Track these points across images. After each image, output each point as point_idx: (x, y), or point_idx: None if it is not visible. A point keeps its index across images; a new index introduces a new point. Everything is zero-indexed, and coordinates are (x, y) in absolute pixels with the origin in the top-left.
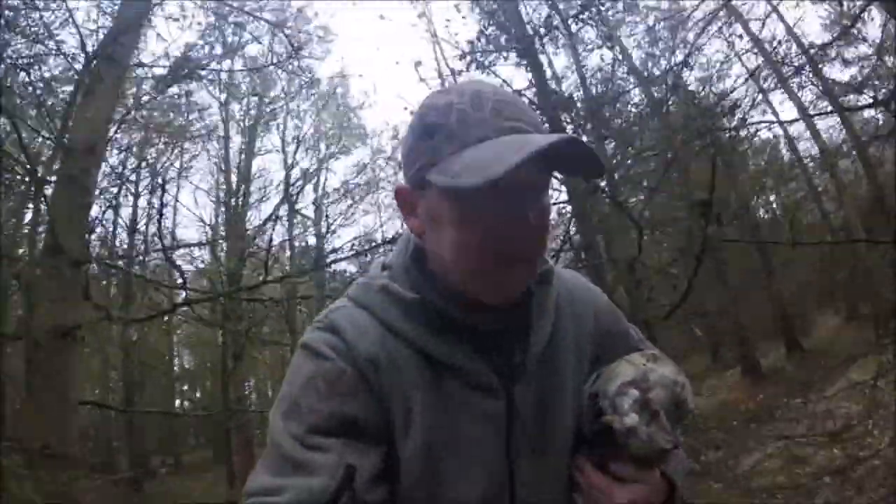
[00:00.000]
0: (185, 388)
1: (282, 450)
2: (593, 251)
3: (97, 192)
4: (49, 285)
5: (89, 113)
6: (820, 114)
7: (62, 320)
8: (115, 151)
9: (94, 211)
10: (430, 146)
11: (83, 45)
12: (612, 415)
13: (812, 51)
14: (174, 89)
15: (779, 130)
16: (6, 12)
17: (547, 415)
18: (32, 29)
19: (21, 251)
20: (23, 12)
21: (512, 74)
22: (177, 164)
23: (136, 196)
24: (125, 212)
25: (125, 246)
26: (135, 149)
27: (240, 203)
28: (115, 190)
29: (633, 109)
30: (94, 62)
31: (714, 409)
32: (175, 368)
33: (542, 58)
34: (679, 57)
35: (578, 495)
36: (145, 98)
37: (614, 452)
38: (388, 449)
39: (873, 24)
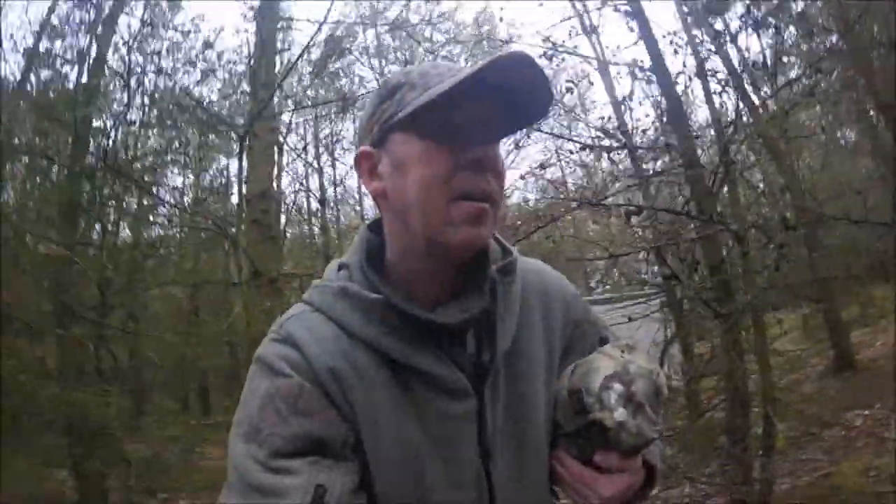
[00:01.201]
0: None
1: (247, 476)
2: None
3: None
4: (254, 295)
5: (257, 167)
6: None
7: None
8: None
9: None
10: (395, 100)
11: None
12: (600, 411)
13: None
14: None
15: None
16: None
17: (519, 411)
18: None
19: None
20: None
21: None
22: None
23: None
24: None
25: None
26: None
27: None
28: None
29: None
30: (252, 127)
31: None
32: None
33: None
34: None
35: (560, 489)
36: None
37: (596, 444)
38: (360, 460)
39: None
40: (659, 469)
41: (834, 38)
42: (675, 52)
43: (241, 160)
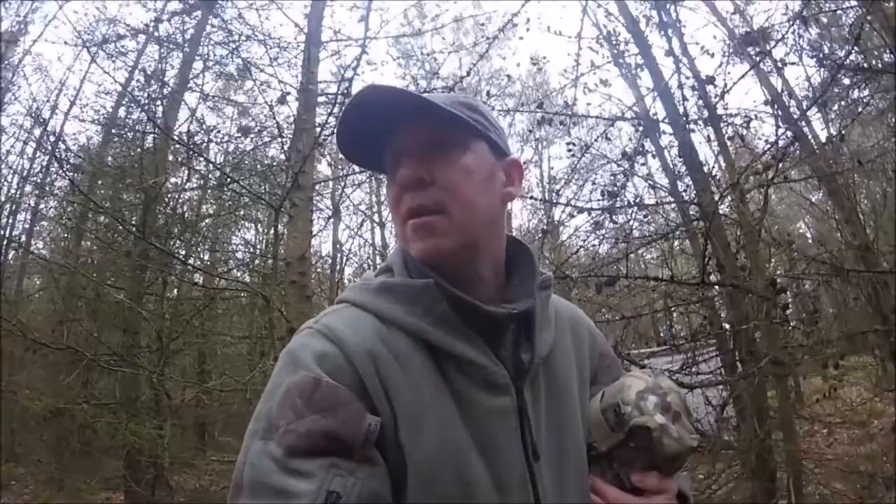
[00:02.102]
0: None
1: (261, 475)
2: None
3: None
4: None
5: (295, 232)
6: None
7: None
8: None
9: None
10: None
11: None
12: (640, 417)
13: None
14: None
15: None
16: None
17: (559, 419)
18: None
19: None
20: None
21: None
22: None
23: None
24: None
25: None
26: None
27: None
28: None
29: None
30: (285, 200)
31: None
32: None
33: None
34: None
35: None
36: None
37: (633, 464)
38: (391, 456)
39: None
40: (691, 501)
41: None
42: (684, 97)
43: (275, 229)
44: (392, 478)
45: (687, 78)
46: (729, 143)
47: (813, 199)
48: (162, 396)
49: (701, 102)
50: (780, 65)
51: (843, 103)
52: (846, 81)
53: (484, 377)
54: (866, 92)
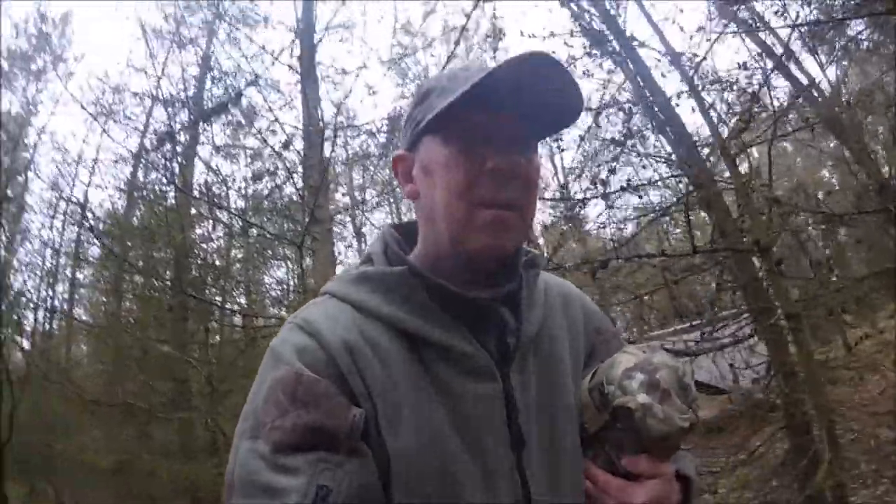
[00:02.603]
0: None
1: (250, 474)
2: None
3: None
4: None
5: (319, 265)
6: None
7: None
8: None
9: None
10: (425, 105)
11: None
12: (623, 397)
13: None
14: None
15: None
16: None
17: (551, 401)
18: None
19: None
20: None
21: None
22: None
23: None
24: None
25: None
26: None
27: None
28: None
29: None
30: (304, 237)
31: None
32: None
33: None
34: None
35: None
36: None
37: (623, 446)
38: (376, 448)
39: None
40: (695, 483)
41: None
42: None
43: (301, 265)
44: (378, 471)
45: (662, 55)
46: (721, 108)
47: (823, 148)
48: (218, 436)
49: (680, 74)
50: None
51: (838, 43)
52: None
53: (466, 364)
54: (861, 27)
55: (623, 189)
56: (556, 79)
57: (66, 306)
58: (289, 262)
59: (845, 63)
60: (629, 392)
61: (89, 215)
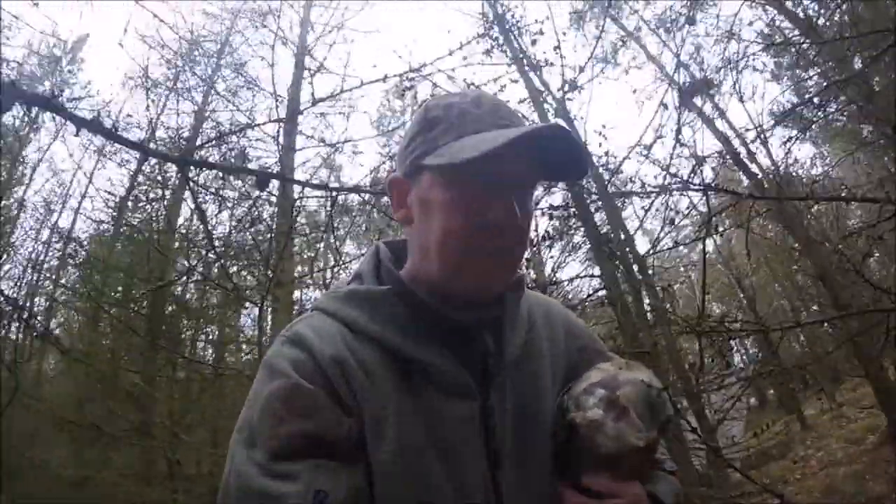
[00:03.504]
0: None
1: (247, 482)
2: None
3: None
4: None
5: (279, 325)
6: None
7: None
8: None
9: None
10: (429, 137)
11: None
12: (574, 412)
13: None
14: None
15: None
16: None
17: (528, 426)
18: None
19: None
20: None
21: None
22: None
23: None
24: None
25: None
26: None
27: None
28: None
29: None
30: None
31: None
32: None
33: None
34: None
35: None
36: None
37: (587, 465)
38: (364, 459)
39: None
40: None
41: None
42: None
43: (259, 324)
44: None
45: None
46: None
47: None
48: (174, 466)
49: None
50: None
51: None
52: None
53: (446, 383)
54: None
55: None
56: (568, 145)
57: (41, 321)
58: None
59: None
60: (583, 408)
61: (72, 245)
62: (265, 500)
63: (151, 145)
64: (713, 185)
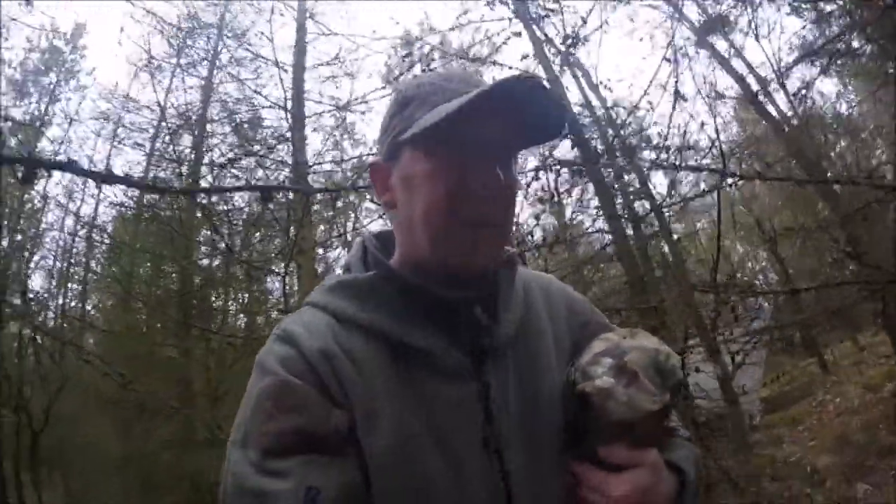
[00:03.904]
0: None
1: (241, 480)
2: None
3: None
4: None
5: (301, 293)
6: None
7: None
8: None
9: None
10: (404, 115)
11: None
12: (583, 381)
13: None
14: None
15: None
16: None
17: (531, 407)
18: None
19: None
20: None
21: None
22: None
23: None
24: None
25: None
26: None
27: None
28: None
29: None
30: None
31: None
32: None
33: None
34: None
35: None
36: None
37: (597, 435)
38: (357, 452)
39: None
40: (691, 477)
41: None
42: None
43: (284, 288)
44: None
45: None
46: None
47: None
48: (215, 431)
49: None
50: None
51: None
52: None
53: (441, 366)
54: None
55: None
56: (543, 99)
57: (78, 306)
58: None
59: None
60: (591, 377)
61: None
62: (259, 499)
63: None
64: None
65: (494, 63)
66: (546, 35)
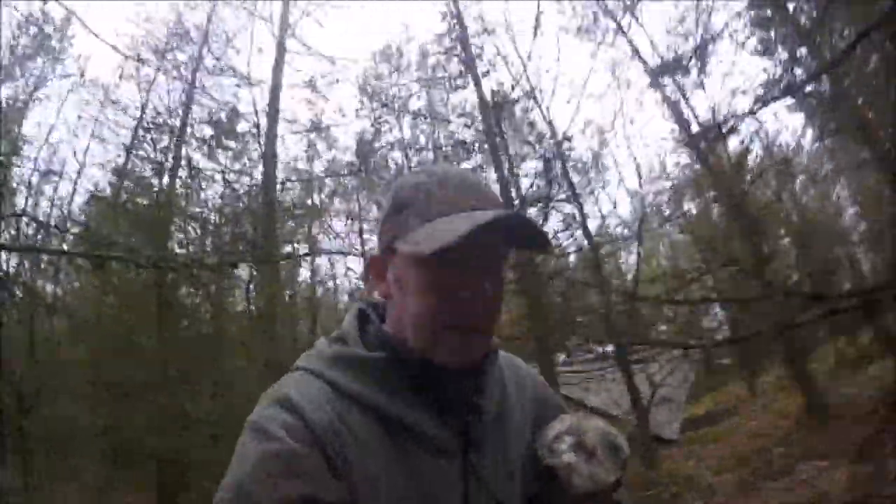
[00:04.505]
0: None
1: None
2: None
3: None
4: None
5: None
6: None
7: None
8: None
9: None
10: (399, 219)
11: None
12: (550, 458)
13: None
14: None
15: None
16: None
17: (503, 479)
18: None
19: None
20: None
21: None
22: None
23: None
24: None
25: None
26: None
27: None
28: None
29: None
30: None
31: None
32: None
33: None
34: None
35: None
36: None
37: (557, 498)
38: None
39: None
40: None
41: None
42: None
43: (247, 297)
44: None
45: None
46: None
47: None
48: (187, 413)
49: None
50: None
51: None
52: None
53: (434, 446)
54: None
55: None
56: (527, 228)
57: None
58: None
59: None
60: (558, 453)
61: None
62: None
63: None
64: None
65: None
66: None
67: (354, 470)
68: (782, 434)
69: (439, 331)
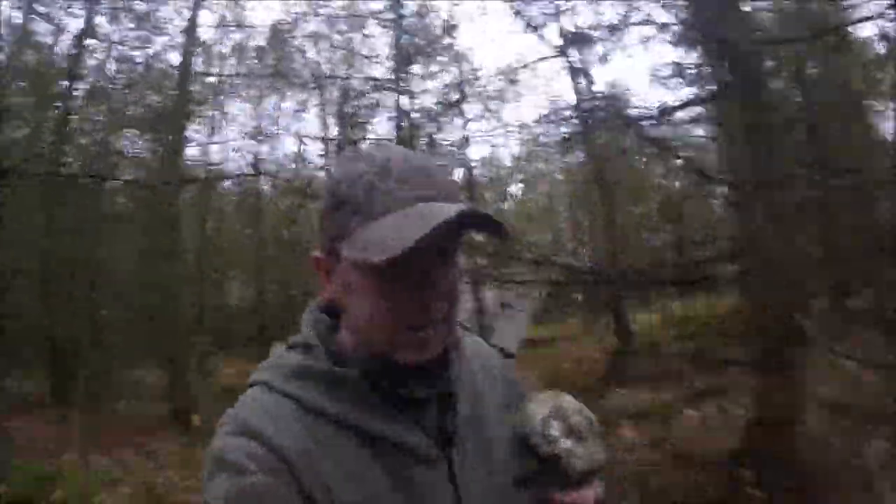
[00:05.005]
0: None
1: None
2: None
3: None
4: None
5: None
6: None
7: None
8: None
9: None
10: (338, 218)
11: None
12: (548, 446)
13: None
14: None
15: None
16: None
17: (487, 473)
18: None
19: None
20: None
21: None
22: None
23: None
24: None
25: None
26: None
27: None
28: None
29: None
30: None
31: None
32: None
33: None
34: None
35: None
36: None
37: (553, 486)
38: None
39: None
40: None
41: None
42: None
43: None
44: None
45: None
46: None
47: None
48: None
49: None
50: None
51: None
52: None
53: (414, 455)
54: None
55: None
56: (483, 218)
57: None
58: None
59: None
60: (553, 441)
61: None
62: None
63: None
64: None
65: None
66: None
67: (334, 490)
68: (596, 365)
69: (395, 331)
